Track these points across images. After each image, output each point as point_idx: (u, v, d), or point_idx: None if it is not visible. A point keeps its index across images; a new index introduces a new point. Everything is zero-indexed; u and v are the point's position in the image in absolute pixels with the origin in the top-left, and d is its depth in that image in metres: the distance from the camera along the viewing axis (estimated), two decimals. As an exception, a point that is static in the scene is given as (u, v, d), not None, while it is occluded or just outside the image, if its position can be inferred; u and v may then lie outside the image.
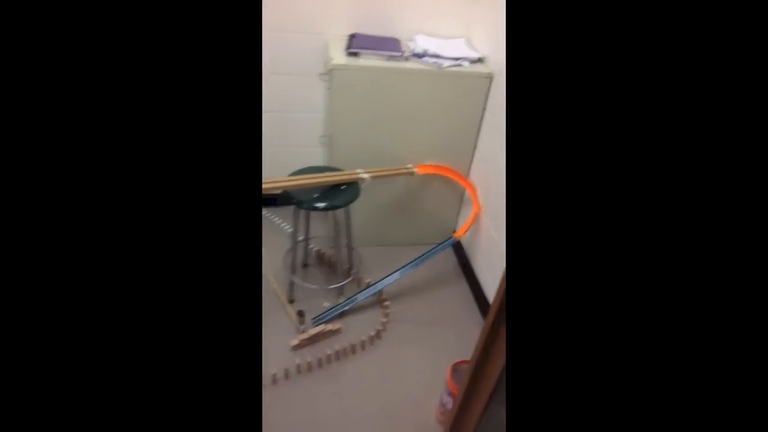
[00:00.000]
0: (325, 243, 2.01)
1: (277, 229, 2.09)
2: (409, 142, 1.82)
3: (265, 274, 1.82)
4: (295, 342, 1.57)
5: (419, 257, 1.79)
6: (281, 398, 1.41)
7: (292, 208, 2.13)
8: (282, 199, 2.14)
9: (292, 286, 1.75)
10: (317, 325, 1.63)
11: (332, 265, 1.92)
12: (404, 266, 1.76)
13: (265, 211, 2.17)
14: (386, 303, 1.77)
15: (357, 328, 1.67)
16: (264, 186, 1.47)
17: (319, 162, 2.04)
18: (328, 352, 1.55)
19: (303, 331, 1.60)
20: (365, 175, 1.62)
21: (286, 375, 1.47)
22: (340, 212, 1.67)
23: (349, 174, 1.62)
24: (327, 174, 1.61)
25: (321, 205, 1.51)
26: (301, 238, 1.87)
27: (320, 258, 1.97)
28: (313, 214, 1.93)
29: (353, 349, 1.60)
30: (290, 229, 2.05)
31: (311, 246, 1.97)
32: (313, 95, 1.96)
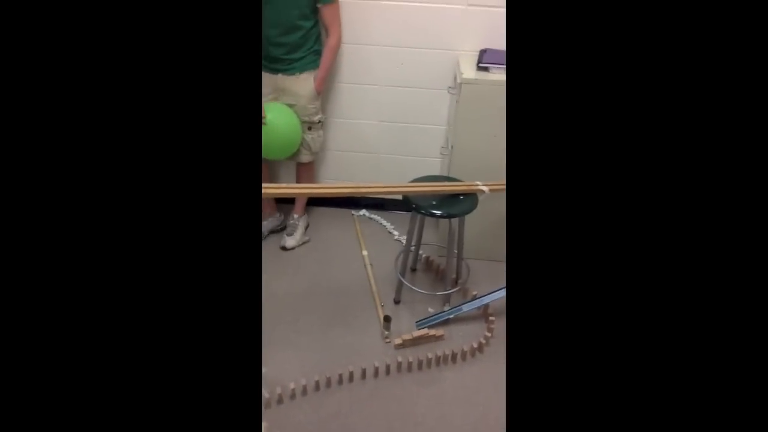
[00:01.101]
0: (435, 251, 2.06)
1: (385, 233, 2.20)
2: (531, 158, 1.79)
3: (367, 274, 1.93)
4: (398, 341, 1.63)
5: (530, 276, 1.74)
6: (381, 391, 1.48)
7: (401, 213, 2.22)
8: (396, 203, 2.24)
9: (400, 287, 1.82)
10: (421, 329, 1.68)
11: (440, 273, 1.96)
12: (514, 283, 1.72)
13: (375, 215, 2.29)
14: (491, 318, 1.75)
15: (459, 338, 1.68)
16: (386, 190, 1.57)
17: (437, 172, 2.10)
18: (430, 356, 1.58)
19: (387, 337, 1.65)
20: (484, 188, 1.64)
21: (387, 371, 1.54)
22: (454, 222, 1.70)
23: (469, 185, 1.65)
24: (447, 183, 1.66)
25: (438, 212, 1.56)
26: (413, 243, 1.95)
27: (429, 265, 2.02)
28: (427, 222, 1.99)
29: (454, 357, 1.61)
30: (398, 235, 2.14)
31: (421, 252, 2.03)
32: (439, 107, 2.03)
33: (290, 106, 1.76)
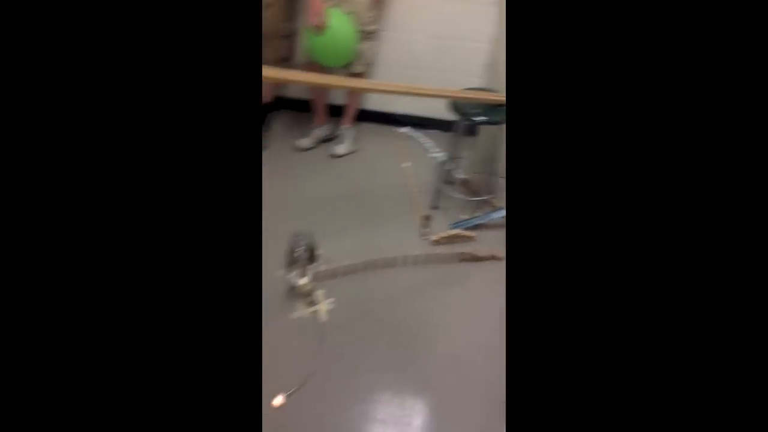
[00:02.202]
0: (470, 169, 2.21)
1: (423, 150, 2.34)
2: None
3: (407, 183, 2.10)
4: (435, 237, 1.84)
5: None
6: (417, 276, 1.70)
7: (442, 133, 2.34)
8: (437, 123, 2.36)
9: (438, 195, 2.00)
10: (455, 229, 1.87)
11: (474, 187, 2.12)
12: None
13: (416, 132, 2.42)
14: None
15: (486, 243, 1.87)
16: (436, 94, 1.67)
17: (479, 91, 2.20)
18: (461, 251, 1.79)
19: (425, 234, 1.84)
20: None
21: (426, 260, 1.76)
22: (490, 140, 1.83)
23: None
24: (490, 93, 1.77)
25: (482, 118, 1.69)
26: (452, 156, 2.10)
27: (464, 182, 2.18)
28: (465, 142, 2.12)
29: (482, 258, 1.81)
30: (437, 152, 2.28)
31: (458, 168, 2.18)
32: (486, 24, 2.08)
33: (348, 14, 1.86)
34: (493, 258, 1.79)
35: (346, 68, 2.02)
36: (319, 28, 1.75)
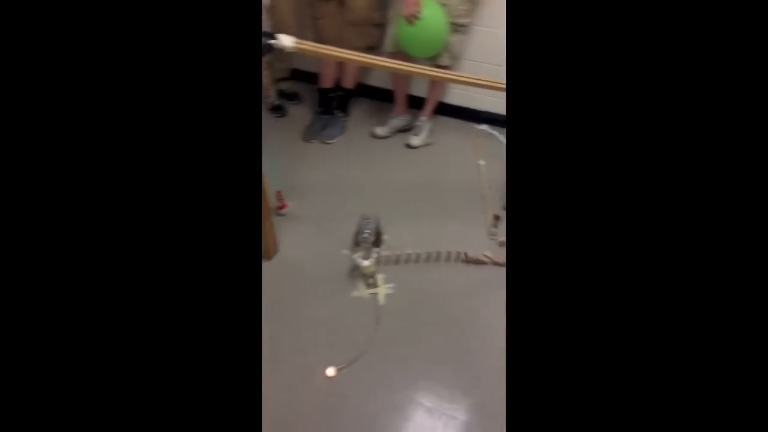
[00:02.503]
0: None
1: (501, 148, 2.28)
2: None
3: (480, 180, 2.06)
4: (502, 239, 1.79)
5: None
6: (479, 274, 1.67)
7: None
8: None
9: (511, 195, 1.94)
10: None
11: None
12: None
13: (494, 130, 2.36)
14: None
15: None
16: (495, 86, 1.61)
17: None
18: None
19: (493, 234, 1.79)
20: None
21: (494, 263, 1.72)
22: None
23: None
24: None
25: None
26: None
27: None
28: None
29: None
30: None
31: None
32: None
33: (441, 5, 1.86)
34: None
35: (432, 60, 2.02)
36: (413, 18, 1.76)
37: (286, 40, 1.23)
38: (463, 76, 1.56)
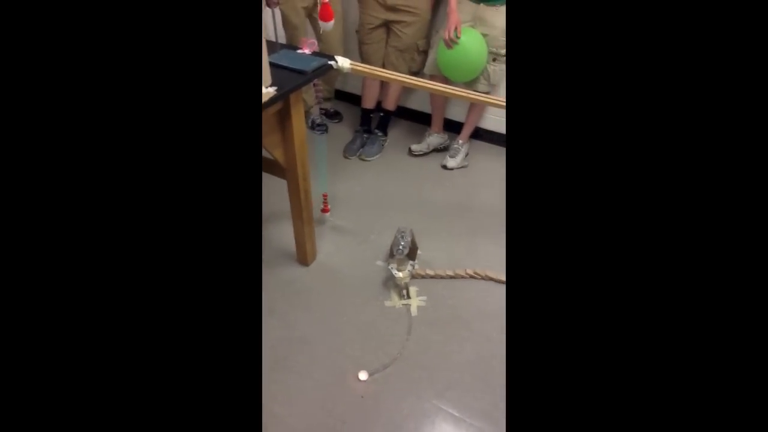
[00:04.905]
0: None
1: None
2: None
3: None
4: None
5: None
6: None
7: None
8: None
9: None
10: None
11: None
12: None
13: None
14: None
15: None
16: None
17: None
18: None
19: None
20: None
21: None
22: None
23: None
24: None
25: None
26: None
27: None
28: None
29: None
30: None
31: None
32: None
33: (483, 35, 1.96)
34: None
35: (470, 85, 2.11)
36: (452, 42, 1.87)
37: (343, 62, 1.34)
38: (497, 99, 1.63)
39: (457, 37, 1.86)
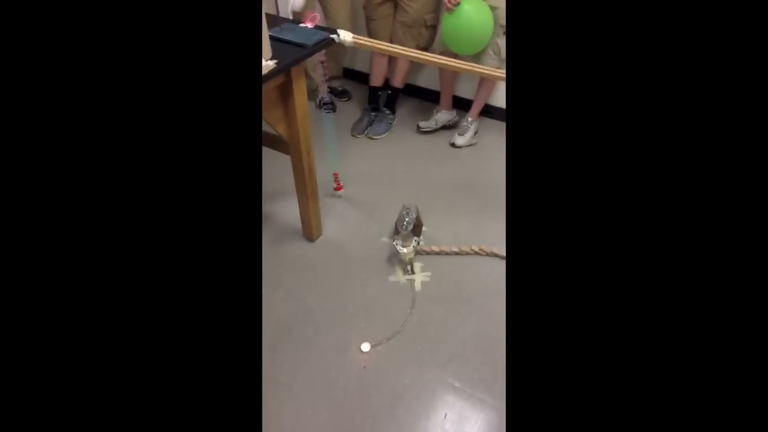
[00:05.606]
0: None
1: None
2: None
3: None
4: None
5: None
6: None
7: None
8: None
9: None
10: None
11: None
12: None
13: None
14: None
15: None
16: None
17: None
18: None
19: None
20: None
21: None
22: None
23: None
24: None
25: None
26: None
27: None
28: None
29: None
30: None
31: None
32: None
33: (492, 8, 1.91)
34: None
35: (479, 60, 2.08)
36: (452, 5, 1.83)
37: (345, 35, 1.33)
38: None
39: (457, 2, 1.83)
